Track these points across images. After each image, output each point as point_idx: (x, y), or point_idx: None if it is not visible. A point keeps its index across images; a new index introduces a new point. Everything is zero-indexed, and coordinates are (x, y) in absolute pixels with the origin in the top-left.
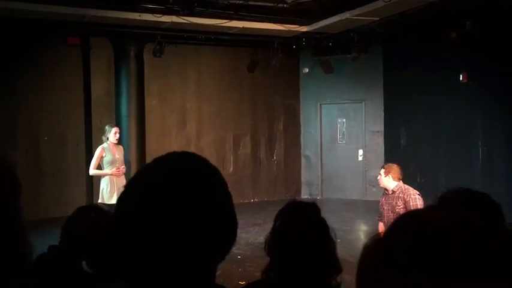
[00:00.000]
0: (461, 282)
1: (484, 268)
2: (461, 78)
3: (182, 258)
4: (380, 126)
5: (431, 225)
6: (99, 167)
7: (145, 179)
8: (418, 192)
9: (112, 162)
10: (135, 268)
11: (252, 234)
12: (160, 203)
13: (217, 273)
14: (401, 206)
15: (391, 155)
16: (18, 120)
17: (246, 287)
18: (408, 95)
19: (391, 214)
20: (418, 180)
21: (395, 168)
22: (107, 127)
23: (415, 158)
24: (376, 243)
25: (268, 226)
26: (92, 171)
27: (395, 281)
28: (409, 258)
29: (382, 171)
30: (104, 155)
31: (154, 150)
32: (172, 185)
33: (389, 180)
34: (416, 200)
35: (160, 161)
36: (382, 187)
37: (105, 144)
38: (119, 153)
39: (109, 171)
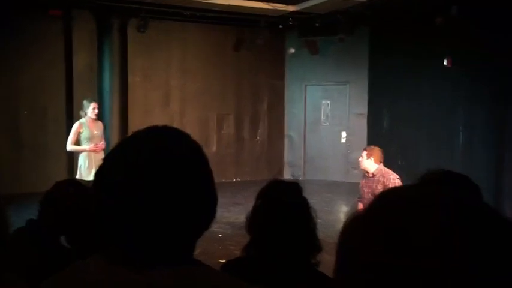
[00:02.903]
0: (439, 257)
1: (464, 245)
2: (445, 63)
3: (160, 232)
4: (364, 109)
5: (411, 200)
6: (78, 143)
7: (125, 152)
8: (398, 176)
9: (90, 138)
10: (113, 242)
11: (234, 213)
12: (139, 176)
13: (198, 251)
14: (381, 190)
15: (374, 138)
16: None
17: (225, 264)
18: (392, 78)
19: (371, 197)
20: (399, 163)
21: (377, 151)
22: (84, 102)
23: (397, 141)
24: (355, 219)
25: (250, 205)
26: (69, 146)
27: (375, 258)
28: (388, 234)
29: (364, 153)
30: (81, 131)
31: (137, 127)
32: (152, 159)
33: (370, 163)
34: (395, 184)
35: (140, 134)
36: (362, 169)
37: (82, 120)
38: (97, 129)
39: (86, 147)
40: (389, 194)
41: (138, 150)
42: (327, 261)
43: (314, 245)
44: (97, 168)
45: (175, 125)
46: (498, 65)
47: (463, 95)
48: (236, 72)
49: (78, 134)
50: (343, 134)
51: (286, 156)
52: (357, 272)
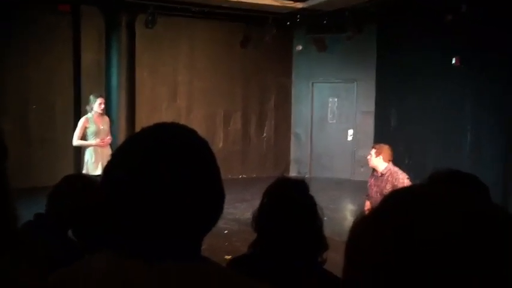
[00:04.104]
0: (448, 260)
1: (473, 248)
2: (453, 62)
3: (168, 228)
4: (371, 107)
5: (419, 201)
6: (84, 137)
7: (133, 148)
8: (407, 176)
9: (96, 133)
10: (122, 237)
11: (240, 209)
12: (148, 172)
13: (204, 247)
14: (390, 190)
15: (381, 136)
16: (6, 88)
17: (231, 261)
18: (400, 77)
19: (379, 196)
20: (406, 162)
21: (386, 149)
22: (91, 97)
23: (405, 139)
24: (364, 220)
25: (256, 202)
26: (76, 141)
27: (383, 258)
28: (397, 235)
29: (373, 151)
30: (87, 126)
31: (144, 122)
32: (160, 155)
33: (379, 161)
34: (404, 184)
35: (148, 131)
36: (371, 167)
37: (89, 115)
38: (103, 124)
39: (93, 141)
40: (398, 194)
41: (146, 147)
42: (333, 259)
43: (321, 242)
44: (105, 163)
45: (182, 121)
46: (507, 64)
47: (471, 93)
48: (243, 69)
49: (85, 128)
50: (350, 131)
51: (293, 153)
52: (365, 273)
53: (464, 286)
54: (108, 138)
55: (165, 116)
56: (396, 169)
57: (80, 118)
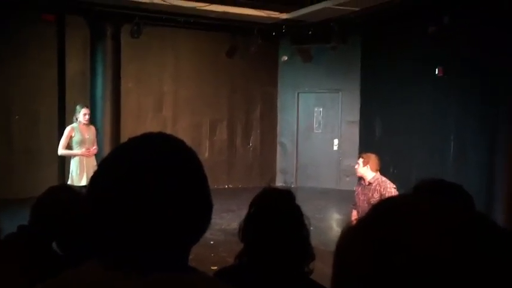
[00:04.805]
0: (439, 268)
1: (463, 256)
2: (437, 72)
3: (156, 239)
4: (356, 117)
5: (405, 212)
6: (69, 147)
7: (120, 158)
8: (394, 186)
9: (81, 143)
10: (107, 248)
11: (226, 220)
12: (134, 183)
13: (190, 257)
14: (377, 199)
15: (366, 146)
16: None
17: (218, 271)
18: (385, 87)
19: (366, 205)
20: (391, 171)
21: (373, 158)
22: (77, 107)
23: (389, 149)
24: (351, 230)
25: (242, 212)
26: (61, 151)
27: (373, 269)
28: (383, 246)
29: (361, 160)
30: (72, 135)
31: (130, 133)
32: (147, 165)
33: (367, 171)
34: (392, 194)
35: (135, 141)
36: (358, 176)
37: (74, 124)
38: (89, 134)
39: (78, 151)
40: (384, 204)
41: (133, 157)
42: (320, 269)
43: (307, 252)
44: (90, 174)
45: (168, 130)
46: (489, 74)
47: (455, 103)
48: (229, 79)
49: (70, 138)
50: (336, 141)
51: (279, 163)
52: (353, 283)
53: None
54: (94, 148)
55: (151, 126)
56: (384, 179)
57: (64, 128)
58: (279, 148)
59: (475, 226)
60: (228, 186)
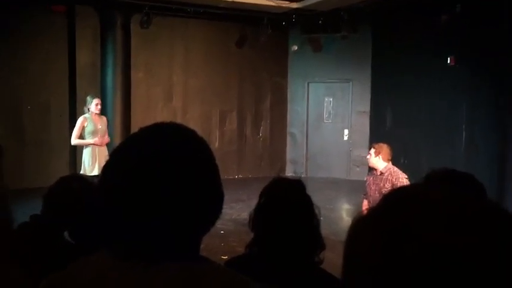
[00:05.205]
0: (451, 257)
1: (475, 245)
2: (449, 61)
3: (167, 228)
4: (366, 107)
5: (419, 201)
6: (82, 137)
7: (132, 148)
8: (406, 176)
9: (94, 132)
10: (119, 238)
11: (236, 210)
12: (146, 172)
13: (201, 247)
14: (389, 189)
15: (377, 136)
16: (0, 89)
17: (228, 261)
18: (396, 76)
19: (377, 195)
20: (402, 161)
21: (385, 148)
22: (88, 98)
23: (400, 139)
24: (362, 220)
25: (252, 202)
26: (74, 140)
27: (383, 258)
28: (396, 235)
29: (372, 150)
30: (85, 125)
31: (140, 123)
32: (158, 155)
33: (378, 161)
34: (404, 184)
35: (147, 131)
36: (370, 166)
37: (87, 115)
38: (101, 124)
39: (91, 140)
40: (395, 194)
41: (144, 147)
42: (330, 259)
43: (317, 242)
44: (102, 164)
45: (178, 120)
46: (501, 64)
47: (466, 93)
48: (239, 69)
49: (83, 128)
50: (346, 131)
51: (289, 153)
52: (365, 273)
53: (463, 286)
54: (106, 138)
55: (161, 116)
56: (396, 169)
57: (75, 119)
58: (288, 138)
59: (487, 215)
60: (238, 177)
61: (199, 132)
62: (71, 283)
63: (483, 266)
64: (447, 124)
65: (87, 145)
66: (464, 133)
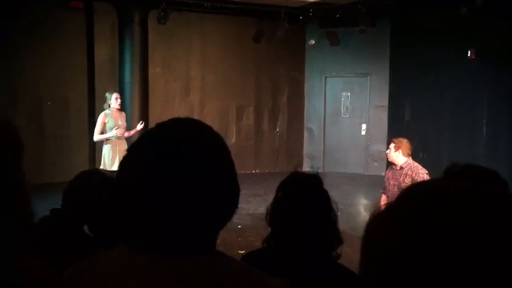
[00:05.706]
0: (471, 251)
1: (496, 239)
2: (469, 54)
3: (184, 223)
4: (384, 101)
5: (442, 193)
6: (103, 133)
7: (149, 144)
8: (426, 172)
9: (115, 128)
10: (137, 232)
11: (253, 204)
12: (163, 168)
13: (217, 242)
14: (408, 184)
15: (395, 130)
16: (20, 85)
17: (245, 255)
18: (414, 70)
19: (396, 190)
20: (421, 156)
21: (405, 143)
22: (107, 94)
23: (419, 133)
24: (382, 214)
25: (269, 197)
26: (96, 136)
27: (401, 254)
28: (414, 230)
29: (392, 145)
30: (106, 121)
31: (157, 118)
32: (175, 151)
33: (398, 156)
34: (424, 179)
35: (163, 126)
36: (390, 161)
37: (107, 111)
38: (121, 120)
39: (113, 132)
40: (415, 189)
41: (162, 142)
42: (347, 254)
43: (335, 237)
44: (121, 159)
45: (195, 115)
46: None
47: (487, 87)
48: (256, 63)
49: (104, 124)
50: (363, 126)
51: (306, 148)
52: (382, 268)
53: (480, 282)
54: (127, 133)
55: (178, 111)
56: (416, 164)
57: (93, 114)
58: (306, 133)
59: (510, 207)
60: (255, 171)
61: (217, 127)
62: (91, 273)
63: (507, 259)
64: (467, 118)
65: (108, 139)
66: (484, 128)
